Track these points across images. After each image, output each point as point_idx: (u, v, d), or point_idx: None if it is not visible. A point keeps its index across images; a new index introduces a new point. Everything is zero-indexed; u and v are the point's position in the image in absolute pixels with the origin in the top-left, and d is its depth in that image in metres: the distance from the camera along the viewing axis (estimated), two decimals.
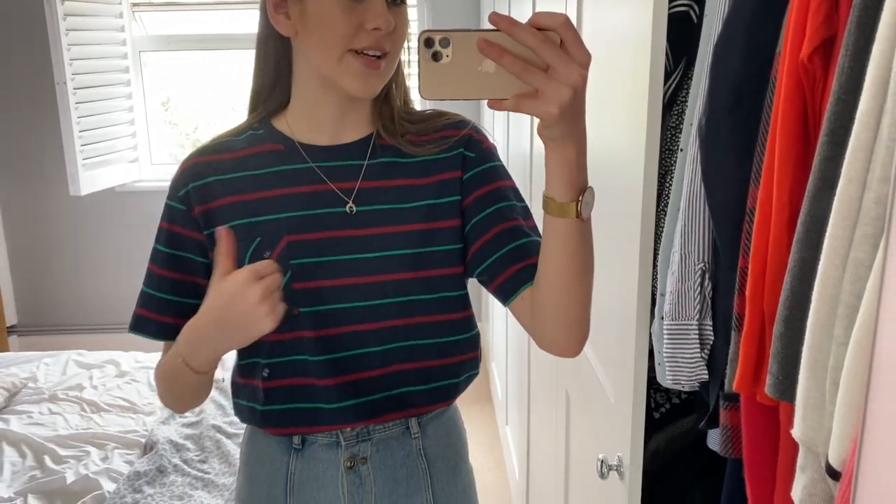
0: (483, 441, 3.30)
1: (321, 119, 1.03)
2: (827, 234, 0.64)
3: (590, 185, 0.85)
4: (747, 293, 0.82)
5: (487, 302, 3.78)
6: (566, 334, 0.97)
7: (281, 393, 1.05)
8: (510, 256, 1.01)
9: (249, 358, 1.07)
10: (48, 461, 2.35)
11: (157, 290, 1.06)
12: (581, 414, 1.57)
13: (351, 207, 1.02)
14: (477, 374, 1.14)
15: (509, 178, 1.08)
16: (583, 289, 0.93)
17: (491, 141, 1.09)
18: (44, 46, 3.65)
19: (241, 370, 1.10)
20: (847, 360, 0.62)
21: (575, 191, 0.83)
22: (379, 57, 0.94)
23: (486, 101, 0.75)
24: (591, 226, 0.89)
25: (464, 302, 1.09)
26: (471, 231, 1.04)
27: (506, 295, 1.02)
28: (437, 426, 1.13)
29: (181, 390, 1.03)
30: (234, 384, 1.11)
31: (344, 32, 0.92)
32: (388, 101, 1.05)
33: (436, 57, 0.72)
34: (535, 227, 1.05)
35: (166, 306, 1.05)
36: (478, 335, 1.12)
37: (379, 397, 1.06)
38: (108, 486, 2.21)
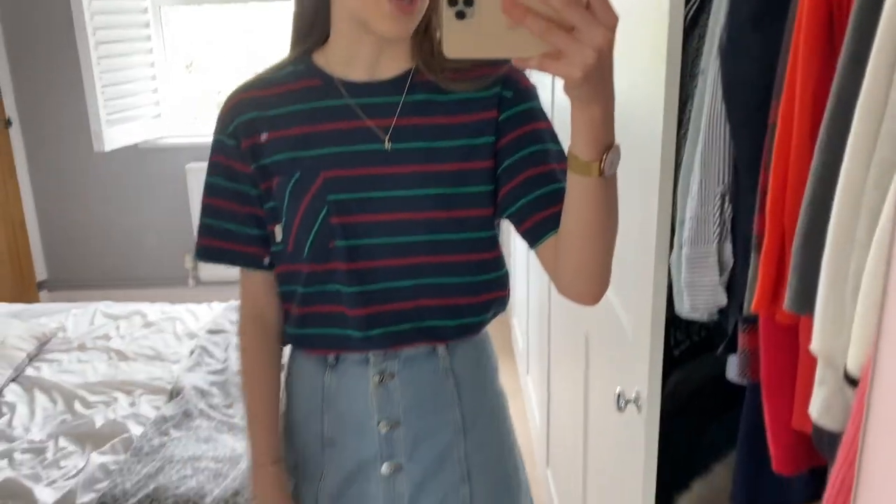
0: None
1: (358, 56, 1.04)
2: (851, 134, 0.62)
3: (617, 142, 0.84)
4: (768, 210, 0.80)
5: (510, 253, 3.78)
6: (586, 285, 0.99)
7: (314, 318, 1.11)
8: (539, 202, 1.02)
9: (287, 285, 1.12)
10: (78, 406, 2.41)
11: (218, 218, 1.12)
12: (600, 354, 1.57)
13: (388, 144, 1.03)
14: (503, 310, 1.15)
15: (546, 119, 1.07)
16: (605, 243, 0.94)
17: (529, 80, 1.08)
18: (65, 2, 3.65)
19: (283, 298, 1.15)
20: (868, 263, 0.60)
21: (599, 149, 0.82)
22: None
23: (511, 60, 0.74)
24: (615, 182, 0.89)
25: (493, 243, 1.10)
26: (503, 173, 1.04)
27: (533, 240, 1.04)
28: (466, 348, 1.15)
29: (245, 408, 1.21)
30: (286, 311, 1.16)
31: None
32: (429, 34, 1.04)
33: (460, 16, 0.70)
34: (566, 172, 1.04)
35: (229, 235, 1.12)
36: (506, 275, 1.13)
37: (407, 328, 1.09)
38: (136, 429, 2.26)
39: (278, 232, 1.09)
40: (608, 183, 0.87)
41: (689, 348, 1.41)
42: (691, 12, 1.06)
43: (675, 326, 1.41)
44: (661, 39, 1.03)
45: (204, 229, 1.13)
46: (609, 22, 0.69)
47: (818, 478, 1.03)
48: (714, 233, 0.93)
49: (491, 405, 1.18)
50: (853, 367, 0.62)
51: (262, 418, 1.19)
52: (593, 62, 0.70)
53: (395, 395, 1.12)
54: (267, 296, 1.17)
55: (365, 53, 1.03)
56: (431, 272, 1.06)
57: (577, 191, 0.88)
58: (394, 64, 1.05)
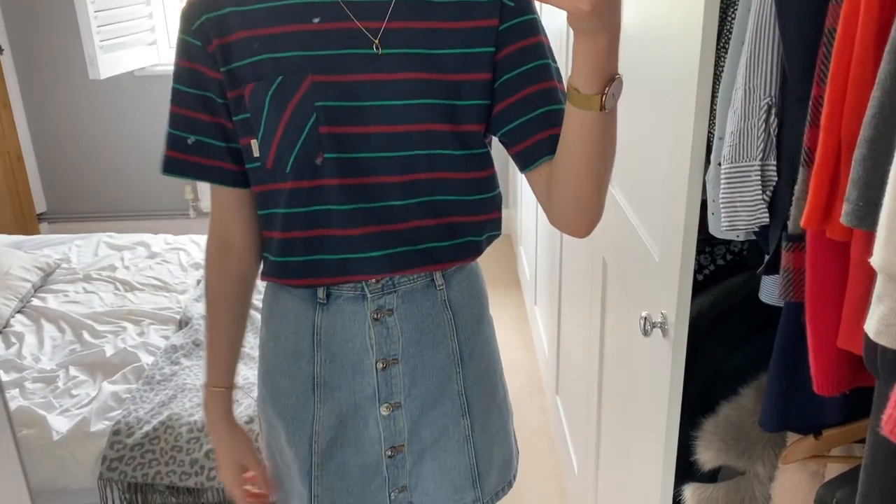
0: (510, 322, 3.32)
1: None
2: None
3: (619, 74, 0.80)
4: (822, 122, 0.76)
5: (516, 184, 3.73)
6: (579, 217, 0.97)
7: (300, 244, 1.03)
8: (537, 122, 0.97)
9: (267, 208, 1.04)
10: (87, 336, 2.40)
11: (183, 130, 1.02)
12: (619, 279, 1.54)
13: (377, 46, 0.95)
14: (498, 234, 1.12)
15: (545, 33, 1.01)
16: (601, 177, 0.91)
17: None
18: None
19: (264, 222, 1.06)
20: None
21: (602, 82, 0.79)
22: None
23: None
24: (615, 116, 0.86)
25: (488, 160, 1.05)
26: (500, 87, 0.99)
27: (525, 163, 1.00)
28: (461, 279, 1.12)
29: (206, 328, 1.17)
30: (266, 238, 1.08)
31: None
32: None
33: None
34: (565, 91, 0.98)
35: (195, 147, 1.03)
36: (500, 196, 1.09)
37: (404, 250, 1.04)
38: (147, 358, 2.25)
39: (254, 146, 1.00)
40: (608, 116, 0.84)
41: (713, 273, 1.38)
42: None
43: (699, 251, 1.38)
44: None
45: (169, 140, 1.03)
46: None
47: (851, 400, 1.01)
48: (758, 148, 0.89)
49: (485, 334, 1.16)
50: None
51: (220, 347, 1.14)
52: None
53: (393, 332, 1.07)
54: (233, 217, 1.08)
55: None
56: (428, 190, 1.01)
57: (577, 124, 0.85)
58: None
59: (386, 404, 1.09)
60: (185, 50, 0.99)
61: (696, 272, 1.38)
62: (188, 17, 0.98)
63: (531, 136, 0.98)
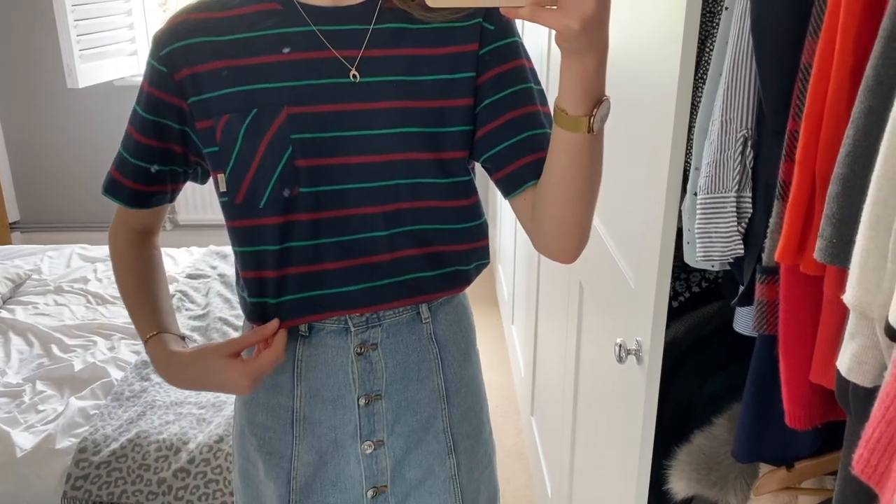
0: (487, 341, 3.31)
1: None
2: None
3: (606, 96, 0.78)
4: (797, 157, 0.76)
5: (495, 202, 3.74)
6: (565, 242, 0.94)
7: (275, 283, 0.99)
8: (520, 147, 0.95)
9: (238, 246, 1.00)
10: (55, 350, 2.35)
11: (133, 155, 1.01)
12: (596, 304, 1.54)
13: (354, 75, 0.93)
14: (487, 263, 1.09)
15: (528, 57, 1.00)
16: (587, 201, 0.89)
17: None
18: None
19: (237, 259, 1.02)
20: None
21: (590, 103, 0.78)
22: None
23: (499, 8, 0.67)
24: (602, 138, 0.84)
25: (472, 187, 1.02)
26: (483, 112, 0.97)
27: (509, 189, 0.98)
28: (448, 311, 1.09)
29: (123, 303, 1.09)
30: (243, 279, 1.03)
31: None
32: None
33: None
34: (550, 115, 0.98)
35: (140, 173, 1.02)
36: (486, 224, 1.06)
37: (388, 282, 1.00)
38: (116, 373, 2.21)
39: (221, 181, 0.96)
40: (595, 139, 0.82)
41: (688, 300, 1.38)
42: None
43: (675, 277, 1.38)
44: None
45: (117, 159, 1.03)
46: None
47: (823, 432, 1.01)
48: (734, 180, 0.89)
49: (472, 370, 1.13)
50: None
51: (141, 296, 1.06)
52: (592, 12, 0.65)
53: (377, 367, 1.04)
54: (156, 217, 1.10)
55: None
56: (410, 220, 0.98)
57: (563, 146, 0.83)
58: None
59: (368, 441, 1.05)
60: (150, 74, 0.98)
61: (671, 299, 1.38)
62: (159, 43, 0.96)
63: (515, 161, 0.96)
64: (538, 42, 2.31)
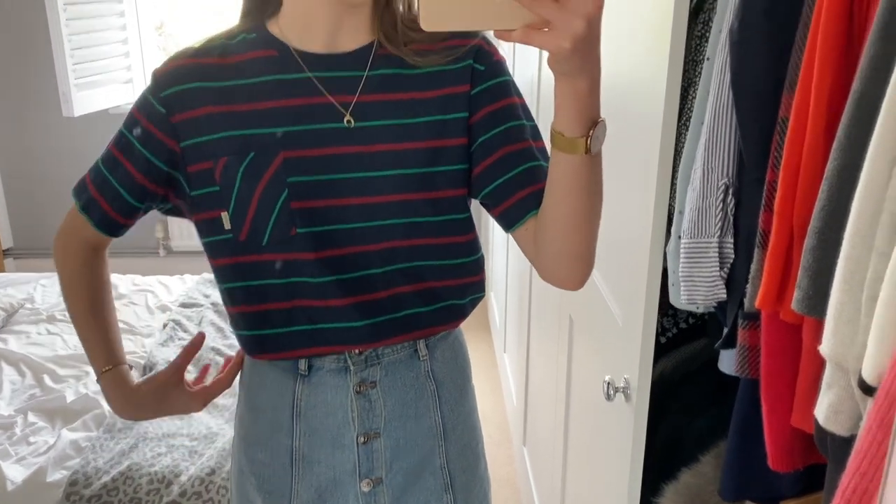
0: (480, 368, 3.32)
1: (315, 25, 0.95)
2: (873, 136, 0.60)
3: (602, 117, 0.80)
4: (776, 207, 0.78)
5: (488, 228, 3.76)
6: (570, 269, 0.94)
7: (279, 315, 1.01)
8: (517, 181, 0.97)
9: (240, 281, 1.01)
10: (47, 380, 2.35)
11: (112, 173, 1.02)
12: (585, 338, 1.55)
13: (349, 121, 0.96)
14: (482, 297, 1.11)
15: (519, 94, 1.02)
16: (590, 225, 0.90)
17: (501, 54, 1.03)
18: None
19: (234, 296, 1.03)
20: (889, 272, 0.58)
21: (585, 125, 0.78)
22: None
23: (492, 32, 0.69)
24: (601, 160, 0.85)
25: (468, 224, 1.04)
26: (477, 150, 0.99)
27: (509, 223, 0.99)
28: (445, 348, 1.11)
29: (74, 326, 1.12)
30: (231, 315, 1.06)
31: None
32: (390, 6, 0.97)
33: None
34: (544, 150, 1.00)
35: (116, 198, 1.03)
36: (482, 259, 1.08)
37: (384, 319, 1.02)
38: (108, 405, 2.21)
39: (225, 219, 0.98)
40: (594, 160, 0.83)
41: (676, 336, 1.40)
42: None
43: (664, 314, 1.40)
44: (665, 22, 1.00)
45: (95, 174, 1.04)
46: None
47: (809, 473, 1.03)
48: (715, 225, 0.92)
49: (468, 406, 1.15)
50: (869, 375, 0.60)
51: (94, 326, 1.10)
52: (582, 32, 0.66)
53: (376, 405, 1.05)
54: (98, 244, 1.11)
55: (322, 23, 0.95)
56: (406, 256, 1.00)
57: (562, 170, 0.83)
58: (354, 36, 0.97)
59: (367, 480, 1.06)
60: (147, 109, 0.99)
61: (659, 334, 1.39)
62: (158, 83, 0.98)
63: (512, 195, 0.97)
64: (528, 69, 2.35)
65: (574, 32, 0.66)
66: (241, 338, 1.06)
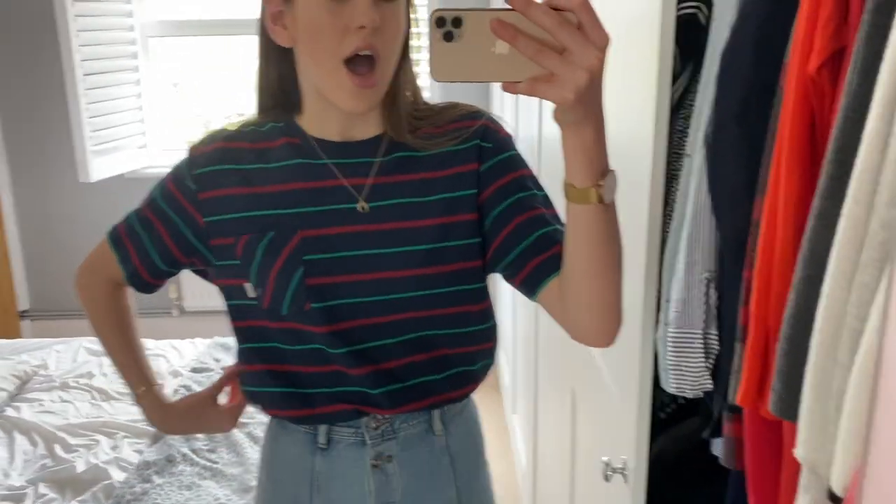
0: (489, 429, 3.29)
1: (330, 121, 1.03)
2: (832, 255, 0.63)
3: (612, 168, 0.81)
4: (752, 307, 0.81)
5: (496, 291, 3.78)
6: (599, 324, 0.94)
7: (304, 377, 1.07)
8: (533, 248, 0.99)
9: (263, 342, 1.07)
10: (58, 450, 2.37)
11: (145, 233, 1.11)
12: (587, 412, 1.57)
13: (363, 206, 1.02)
14: (491, 363, 1.14)
15: (527, 166, 1.06)
16: (612, 276, 0.89)
17: (507, 130, 1.07)
18: (52, 32, 3.64)
19: (260, 354, 1.09)
20: (851, 386, 0.61)
21: (595, 175, 0.79)
22: (371, 59, 0.93)
23: (499, 84, 0.72)
24: (615, 210, 0.85)
25: (481, 294, 1.08)
26: (492, 224, 1.03)
27: (531, 288, 1.00)
28: (459, 423, 1.14)
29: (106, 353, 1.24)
30: (251, 374, 1.11)
31: (331, 35, 0.92)
32: (395, 104, 1.03)
33: (447, 37, 0.68)
34: (556, 216, 1.03)
35: (146, 258, 1.12)
36: (494, 326, 1.12)
37: (399, 387, 1.06)
38: (118, 475, 2.23)
39: (249, 289, 1.05)
40: (608, 210, 0.83)
41: (675, 411, 1.41)
42: (678, 92, 1.08)
43: (661, 389, 1.41)
44: (648, 117, 1.04)
45: (129, 229, 1.13)
46: (601, 42, 0.68)
47: None
48: (700, 317, 0.94)
49: (483, 480, 1.18)
50: (837, 485, 0.62)
51: (127, 353, 1.22)
52: (585, 84, 0.68)
53: (393, 479, 1.09)
54: (121, 282, 1.18)
55: (334, 121, 1.03)
56: (416, 327, 1.04)
57: (577, 222, 0.84)
58: (366, 129, 1.04)
59: None
60: (180, 183, 1.07)
61: (658, 410, 1.40)
62: (193, 162, 1.06)
63: (531, 260, 0.99)
64: (530, 132, 2.39)
65: (577, 84, 0.68)
66: (261, 395, 1.11)
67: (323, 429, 1.09)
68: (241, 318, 1.09)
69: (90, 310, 1.22)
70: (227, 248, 1.05)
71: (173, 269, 1.14)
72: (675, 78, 1.05)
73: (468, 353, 1.09)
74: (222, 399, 1.24)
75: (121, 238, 1.14)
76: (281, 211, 1.03)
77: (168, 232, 1.09)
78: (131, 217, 1.14)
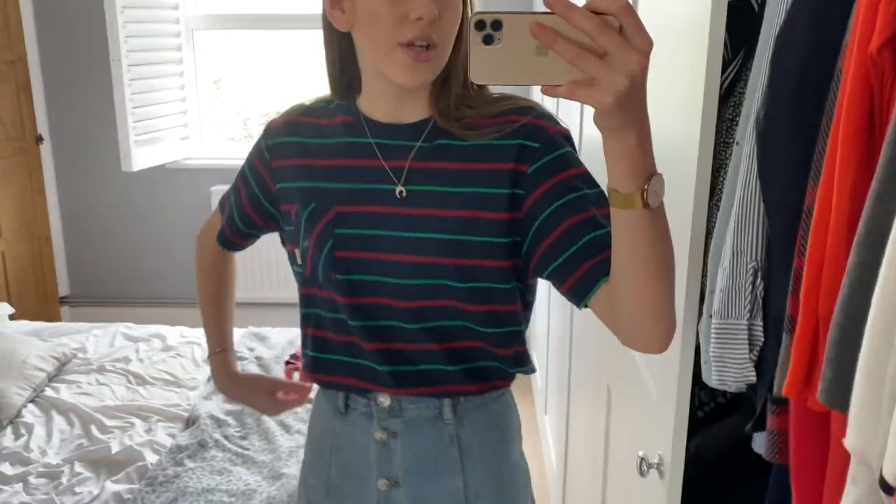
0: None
1: (382, 101, 1.06)
2: (890, 239, 0.61)
3: (658, 171, 0.78)
4: (801, 295, 0.79)
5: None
6: (651, 330, 0.90)
7: (333, 344, 1.13)
8: (582, 253, 0.96)
9: (308, 308, 1.16)
10: (94, 430, 2.41)
11: (232, 198, 1.25)
12: (622, 409, 1.55)
13: (401, 191, 1.04)
14: (524, 369, 1.12)
15: (579, 164, 1.02)
16: (662, 281, 0.86)
17: (560, 125, 1.04)
18: (100, 23, 3.71)
19: (304, 319, 1.18)
20: None
21: (639, 179, 0.76)
22: (427, 47, 0.95)
23: (539, 87, 0.72)
24: (663, 213, 0.81)
25: (507, 296, 1.06)
26: (540, 226, 0.99)
27: (581, 294, 0.97)
28: (478, 416, 1.13)
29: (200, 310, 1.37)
30: (302, 336, 1.21)
31: (388, 23, 0.94)
32: (447, 86, 1.03)
33: (487, 40, 0.68)
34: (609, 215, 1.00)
35: (231, 219, 1.26)
36: (517, 333, 1.09)
37: (405, 370, 1.09)
38: (151, 457, 2.26)
39: (298, 255, 1.12)
40: (655, 214, 0.79)
41: (713, 410, 1.39)
42: (728, 80, 1.06)
43: (700, 387, 1.38)
44: (696, 104, 1.03)
45: (227, 194, 1.27)
46: (643, 47, 0.66)
47: None
48: (745, 308, 0.92)
49: (502, 478, 1.16)
50: (890, 474, 0.60)
51: (213, 314, 1.35)
52: (625, 89, 0.67)
53: (395, 455, 1.12)
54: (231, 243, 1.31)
55: (387, 100, 1.06)
56: (433, 316, 1.06)
57: (623, 227, 0.81)
58: (415, 111, 1.06)
59: None
60: (259, 152, 1.18)
61: (696, 408, 1.38)
62: (269, 133, 1.16)
63: (580, 266, 0.96)
64: (571, 129, 2.37)
65: (617, 88, 0.67)
66: (305, 356, 1.19)
67: (341, 395, 1.15)
68: (300, 284, 1.16)
69: (197, 267, 1.35)
70: (288, 215, 1.13)
71: (253, 230, 1.25)
72: (724, 66, 1.03)
73: (488, 350, 1.08)
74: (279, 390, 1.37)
75: (222, 202, 1.28)
76: (324, 184, 1.08)
77: (248, 196, 1.20)
78: (227, 194, 1.27)
